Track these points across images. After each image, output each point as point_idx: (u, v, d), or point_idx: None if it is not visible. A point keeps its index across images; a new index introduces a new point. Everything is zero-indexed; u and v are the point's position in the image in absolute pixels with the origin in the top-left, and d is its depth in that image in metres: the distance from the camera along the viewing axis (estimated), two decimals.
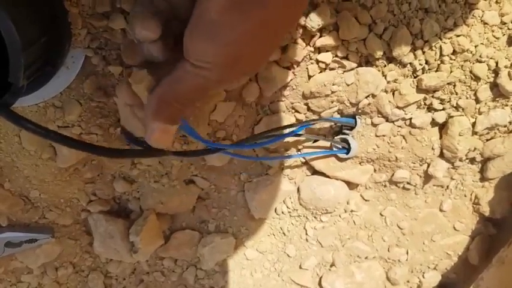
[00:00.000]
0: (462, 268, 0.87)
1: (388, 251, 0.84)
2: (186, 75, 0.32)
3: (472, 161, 0.75)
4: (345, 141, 0.70)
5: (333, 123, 0.70)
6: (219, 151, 0.53)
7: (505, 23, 0.62)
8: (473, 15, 0.61)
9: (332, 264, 0.84)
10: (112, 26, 0.51)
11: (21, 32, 0.39)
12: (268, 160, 0.70)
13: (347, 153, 0.70)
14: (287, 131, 0.64)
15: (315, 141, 0.73)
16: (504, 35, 0.62)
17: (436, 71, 0.63)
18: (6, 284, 0.79)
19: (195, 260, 0.81)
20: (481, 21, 0.61)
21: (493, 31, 0.62)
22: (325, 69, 0.63)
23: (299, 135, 0.68)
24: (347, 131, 0.71)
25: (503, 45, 0.63)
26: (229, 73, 0.32)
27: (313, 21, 0.56)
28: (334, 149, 0.71)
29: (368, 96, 0.65)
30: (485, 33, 0.62)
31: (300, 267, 0.85)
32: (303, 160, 0.74)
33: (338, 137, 0.71)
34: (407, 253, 0.84)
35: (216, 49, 0.30)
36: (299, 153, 0.72)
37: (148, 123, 0.35)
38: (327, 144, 0.72)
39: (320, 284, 0.87)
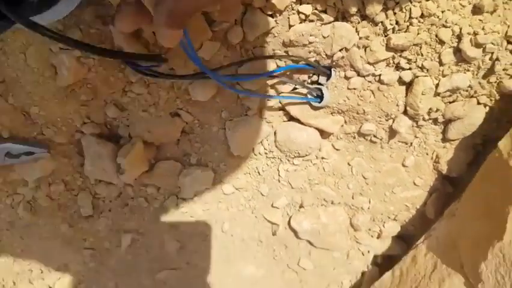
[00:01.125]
0: (419, 221, 0.96)
1: (352, 198, 0.92)
2: None
3: (435, 121, 0.82)
4: (320, 90, 0.77)
5: (310, 74, 0.77)
6: (208, 76, 0.62)
7: None
8: None
9: (301, 206, 0.93)
10: None
11: None
12: (250, 96, 0.77)
13: (320, 101, 0.77)
14: (271, 68, 0.71)
15: (294, 89, 0.80)
16: (470, 3, 0.68)
17: (405, 31, 0.70)
18: (4, 194, 0.87)
19: (176, 190, 0.89)
20: None
21: None
22: (305, 20, 0.69)
23: (280, 76, 0.75)
24: (323, 82, 0.77)
25: (468, 13, 0.69)
26: None
27: None
28: (309, 96, 0.78)
29: (342, 49, 0.72)
30: (452, 0, 0.68)
31: (272, 206, 0.93)
32: (280, 105, 0.81)
33: (314, 86, 0.78)
34: (370, 202, 0.93)
35: None
36: (277, 95, 0.79)
37: (158, 30, 0.43)
38: (304, 91, 0.79)
39: (289, 223, 0.96)
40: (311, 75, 0.78)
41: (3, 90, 0.70)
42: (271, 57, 0.72)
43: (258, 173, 0.89)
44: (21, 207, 0.88)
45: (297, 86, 0.79)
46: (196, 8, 0.42)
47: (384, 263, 1.02)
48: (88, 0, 0.62)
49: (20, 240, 0.99)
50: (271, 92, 0.78)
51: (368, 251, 1.01)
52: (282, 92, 0.80)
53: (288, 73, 0.76)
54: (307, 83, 0.79)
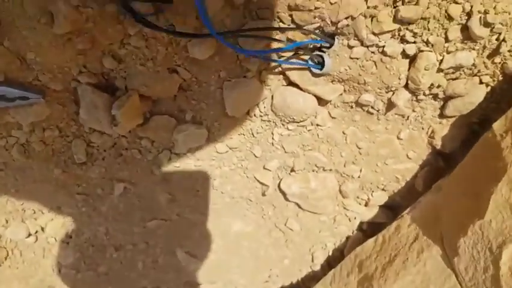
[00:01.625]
0: (407, 193, 0.97)
1: (344, 166, 0.93)
2: None
3: (435, 97, 0.82)
4: (321, 57, 0.76)
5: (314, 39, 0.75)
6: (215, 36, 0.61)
7: None
8: None
9: (292, 170, 0.94)
10: None
11: None
12: (252, 54, 0.75)
13: (321, 69, 0.76)
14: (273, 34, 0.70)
15: (295, 53, 0.78)
16: None
17: (415, 4, 0.68)
18: None
19: (169, 144, 0.90)
20: None
21: None
22: None
23: (283, 42, 0.73)
24: (325, 49, 0.76)
25: None
26: None
27: None
28: (310, 62, 0.77)
29: (348, 17, 0.70)
30: None
31: (264, 168, 0.94)
32: (280, 69, 0.80)
33: (315, 53, 0.76)
34: (361, 171, 0.94)
35: None
36: (278, 59, 0.77)
37: None
38: (305, 57, 0.78)
39: (279, 185, 0.97)
40: (314, 42, 0.76)
41: None
42: (276, 29, 0.70)
43: (252, 134, 0.89)
44: (15, 150, 0.89)
45: (299, 52, 0.77)
46: None
47: (369, 229, 1.05)
48: None
49: (13, 181, 1.01)
50: (274, 55, 0.77)
51: (355, 217, 1.03)
52: (283, 56, 0.78)
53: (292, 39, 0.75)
54: (310, 48, 0.78)
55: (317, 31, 0.73)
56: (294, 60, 0.77)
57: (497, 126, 0.71)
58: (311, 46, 0.77)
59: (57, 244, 1.17)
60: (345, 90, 0.82)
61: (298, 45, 0.75)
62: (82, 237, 1.17)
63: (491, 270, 0.64)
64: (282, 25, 0.73)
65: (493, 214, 0.65)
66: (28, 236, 1.15)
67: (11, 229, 1.13)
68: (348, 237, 1.08)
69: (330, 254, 1.09)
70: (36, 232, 1.15)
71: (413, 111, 0.85)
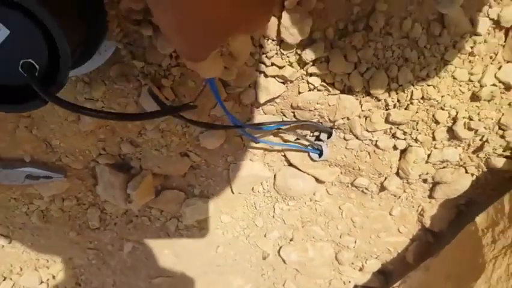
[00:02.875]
0: (399, 263, 1.04)
1: (340, 237, 0.99)
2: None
3: (425, 181, 0.88)
4: (320, 146, 0.83)
5: (313, 130, 0.83)
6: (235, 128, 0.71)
7: (472, 81, 0.72)
8: (445, 70, 0.71)
9: (291, 239, 1.00)
10: (142, 31, 0.62)
11: (69, 39, 0.50)
12: (258, 141, 0.82)
13: (320, 156, 0.83)
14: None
15: (296, 139, 0.85)
16: (469, 90, 0.73)
17: (405, 109, 0.75)
18: (20, 203, 0.95)
19: (178, 214, 0.97)
20: (452, 75, 0.71)
21: (460, 86, 0.73)
22: (313, 89, 0.74)
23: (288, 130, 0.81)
24: (323, 139, 0.83)
25: (466, 99, 0.73)
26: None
27: (308, 55, 0.67)
28: (309, 148, 0.84)
29: (344, 118, 0.77)
30: (453, 86, 0.73)
31: (265, 236, 1.01)
32: (283, 154, 0.87)
33: (315, 141, 0.83)
34: (355, 242, 1.00)
35: None
36: (283, 142, 0.84)
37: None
38: (306, 143, 0.85)
39: (278, 252, 1.04)
40: (314, 131, 0.83)
41: (29, 123, 0.76)
42: (280, 122, 0.78)
43: (255, 207, 0.96)
44: (35, 215, 0.96)
45: (299, 138, 0.84)
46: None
47: None
48: (114, 59, 0.67)
49: (30, 236, 1.08)
50: (276, 139, 0.84)
51: (349, 281, 1.09)
52: (288, 141, 0.85)
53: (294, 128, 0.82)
54: (310, 136, 0.85)
55: (318, 123, 0.81)
56: (296, 144, 0.84)
57: (480, 221, 0.78)
58: (311, 134, 0.84)
59: None
60: (341, 173, 0.89)
61: (298, 123, 0.82)
62: (90, 285, 1.23)
63: None
64: (284, 118, 0.80)
65: None
66: (40, 284, 1.21)
67: (25, 277, 1.20)
68: None
69: None
70: (48, 280, 1.22)
71: (404, 191, 0.91)
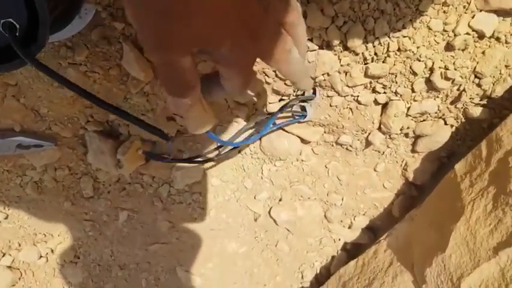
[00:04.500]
0: (386, 218, 1.07)
1: (327, 195, 1.02)
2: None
3: (406, 135, 0.91)
4: (304, 108, 0.85)
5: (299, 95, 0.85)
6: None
7: (446, 31, 0.74)
8: (420, 21, 0.73)
9: (280, 200, 1.03)
10: None
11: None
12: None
13: (304, 118, 0.86)
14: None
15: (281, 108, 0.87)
16: (444, 40, 0.75)
17: (383, 62, 0.77)
18: (13, 175, 0.97)
19: (169, 179, 0.99)
20: (427, 26, 0.73)
21: (435, 36, 0.74)
22: None
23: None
24: (308, 100, 0.85)
25: (441, 49, 0.75)
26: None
27: None
28: (295, 117, 0.86)
29: (324, 74, 0.79)
30: (428, 37, 0.74)
31: (255, 198, 1.04)
32: (267, 116, 0.89)
33: (299, 103, 0.85)
34: (342, 199, 1.03)
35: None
36: (274, 124, 0.86)
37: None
38: (289, 113, 0.86)
39: (269, 213, 1.07)
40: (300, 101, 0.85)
41: (16, 92, 0.78)
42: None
43: (244, 169, 0.98)
44: (29, 187, 0.98)
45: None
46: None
47: (352, 249, 1.15)
48: (95, 22, 0.69)
49: (26, 210, 1.10)
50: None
51: (339, 239, 1.13)
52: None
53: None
54: (294, 96, 0.86)
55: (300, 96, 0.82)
56: (283, 120, 0.86)
57: (459, 168, 0.81)
58: (295, 95, 0.86)
59: (66, 265, 1.26)
60: (325, 132, 0.92)
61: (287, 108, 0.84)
62: (89, 258, 1.26)
63: None
64: (267, 78, 0.82)
65: (452, 249, 0.74)
66: (39, 258, 1.24)
67: (24, 252, 1.23)
68: (333, 257, 1.17)
69: (318, 272, 1.19)
70: (47, 254, 1.25)
71: (388, 147, 0.94)
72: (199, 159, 0.88)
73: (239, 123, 0.88)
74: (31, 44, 0.52)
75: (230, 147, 0.88)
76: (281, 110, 0.86)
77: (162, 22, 0.33)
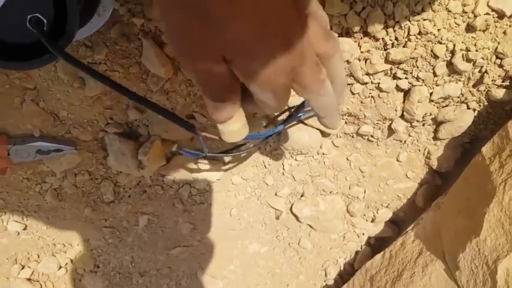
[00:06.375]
0: (409, 208, 1.05)
1: (349, 188, 1.01)
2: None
3: (428, 122, 0.90)
4: None
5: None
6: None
7: (466, 12, 0.73)
8: (439, 3, 0.72)
9: (302, 195, 1.02)
10: None
11: None
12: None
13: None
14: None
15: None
16: (464, 22, 0.74)
17: (403, 46, 0.76)
18: (33, 183, 0.96)
19: (190, 179, 0.98)
20: (446, 8, 0.72)
21: (455, 18, 0.74)
22: None
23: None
24: None
25: (462, 31, 0.75)
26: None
27: None
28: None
29: (344, 62, 0.78)
30: (448, 19, 0.74)
31: (276, 194, 1.03)
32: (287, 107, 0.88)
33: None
34: (365, 192, 1.02)
35: None
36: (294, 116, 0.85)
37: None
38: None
39: (291, 209, 1.05)
40: None
41: (35, 96, 0.78)
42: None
43: (264, 166, 0.97)
44: (49, 194, 0.97)
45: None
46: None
47: (376, 243, 1.13)
48: (113, 20, 0.68)
49: (45, 219, 1.09)
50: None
51: (363, 233, 1.11)
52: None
53: None
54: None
55: None
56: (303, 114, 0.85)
57: (486, 150, 0.79)
58: None
59: (86, 274, 1.25)
60: (345, 123, 0.91)
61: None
62: (109, 266, 1.25)
63: (490, 283, 0.71)
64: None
65: (487, 232, 0.72)
66: (59, 269, 1.23)
67: (43, 263, 1.22)
68: (357, 252, 1.15)
69: (342, 268, 1.17)
70: (66, 264, 1.24)
71: (409, 136, 0.93)
72: (235, 152, 0.87)
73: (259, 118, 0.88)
74: (59, 37, 0.52)
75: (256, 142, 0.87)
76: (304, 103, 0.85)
77: (197, 24, 0.30)
